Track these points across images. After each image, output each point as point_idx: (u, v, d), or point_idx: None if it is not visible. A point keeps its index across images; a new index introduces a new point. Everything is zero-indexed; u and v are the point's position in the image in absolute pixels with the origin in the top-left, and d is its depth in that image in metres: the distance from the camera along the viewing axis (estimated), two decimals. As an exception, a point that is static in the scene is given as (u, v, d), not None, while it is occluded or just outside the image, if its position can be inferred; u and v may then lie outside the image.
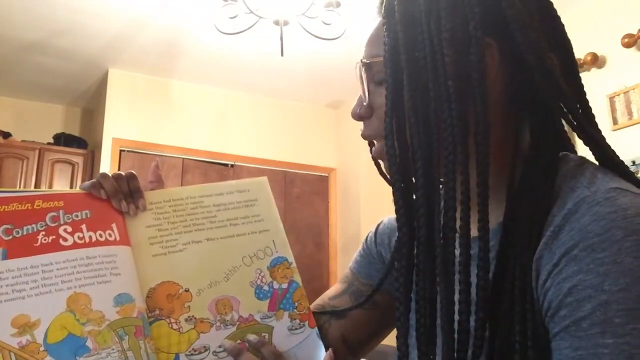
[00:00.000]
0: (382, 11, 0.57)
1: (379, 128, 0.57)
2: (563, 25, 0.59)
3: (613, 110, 3.04)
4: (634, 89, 2.96)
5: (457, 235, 0.50)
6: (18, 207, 0.67)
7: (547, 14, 0.57)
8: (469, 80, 0.51)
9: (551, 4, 0.59)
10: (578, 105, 0.56)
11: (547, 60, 0.52)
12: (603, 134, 0.55)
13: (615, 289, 0.41)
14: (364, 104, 0.61)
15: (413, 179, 0.54)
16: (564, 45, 0.58)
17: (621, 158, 0.54)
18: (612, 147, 0.54)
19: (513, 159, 0.56)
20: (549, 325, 0.45)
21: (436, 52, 0.52)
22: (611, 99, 3.06)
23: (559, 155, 0.55)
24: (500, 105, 0.55)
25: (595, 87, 3.15)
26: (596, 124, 0.56)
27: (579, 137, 0.54)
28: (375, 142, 0.63)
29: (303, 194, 4.89)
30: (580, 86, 0.58)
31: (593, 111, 0.57)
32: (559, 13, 0.59)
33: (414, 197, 0.54)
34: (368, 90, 0.60)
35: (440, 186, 0.53)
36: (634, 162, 2.87)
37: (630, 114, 2.97)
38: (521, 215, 0.50)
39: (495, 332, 0.48)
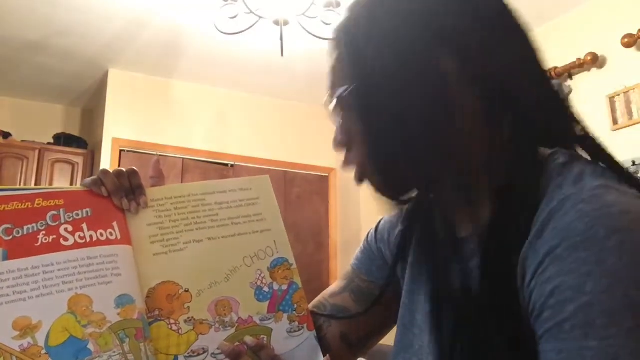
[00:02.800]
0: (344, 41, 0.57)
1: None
2: (524, 27, 0.56)
3: (613, 110, 3.04)
4: (634, 89, 2.96)
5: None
6: (18, 206, 0.66)
7: (511, 19, 0.55)
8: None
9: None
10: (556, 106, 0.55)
11: (503, 69, 0.52)
12: (598, 133, 0.54)
13: (597, 291, 0.39)
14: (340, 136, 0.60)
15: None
16: (525, 47, 0.56)
17: (621, 158, 0.53)
18: (599, 144, 0.53)
19: (496, 156, 0.55)
20: (534, 327, 0.44)
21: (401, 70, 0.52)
22: (611, 99, 3.06)
23: (550, 150, 0.53)
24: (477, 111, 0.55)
25: (595, 87, 3.15)
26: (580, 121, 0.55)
27: (563, 137, 0.53)
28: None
29: (303, 194, 4.89)
30: (550, 89, 0.56)
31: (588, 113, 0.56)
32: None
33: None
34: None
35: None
36: (634, 162, 2.87)
37: (630, 114, 2.97)
38: (507, 213, 0.50)
39: (478, 331, 0.48)
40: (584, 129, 0.54)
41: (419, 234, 0.67)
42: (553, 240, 0.43)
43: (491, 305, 0.47)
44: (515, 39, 0.55)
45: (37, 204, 0.67)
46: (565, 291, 0.41)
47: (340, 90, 0.56)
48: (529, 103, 0.51)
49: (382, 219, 0.81)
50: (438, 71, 0.52)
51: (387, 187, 0.58)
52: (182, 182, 4.24)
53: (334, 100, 0.58)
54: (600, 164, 0.49)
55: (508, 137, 0.53)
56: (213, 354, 0.68)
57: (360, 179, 0.59)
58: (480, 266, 0.50)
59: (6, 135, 4.35)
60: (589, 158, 0.51)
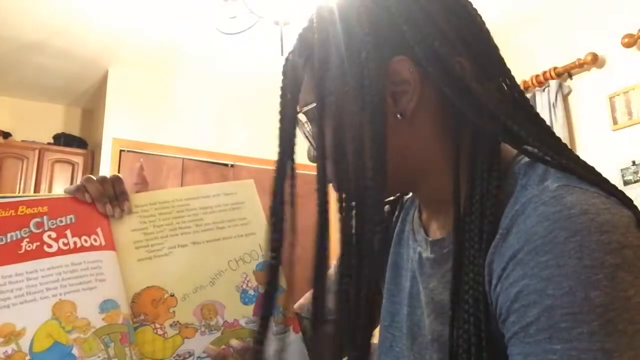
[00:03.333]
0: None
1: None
2: (478, 23, 0.55)
3: (613, 110, 3.03)
4: (634, 89, 2.95)
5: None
6: (1, 213, 0.67)
7: (455, 14, 0.54)
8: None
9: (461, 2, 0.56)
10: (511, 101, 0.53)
11: (455, 66, 0.50)
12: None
13: (559, 294, 0.40)
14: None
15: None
16: (479, 44, 0.54)
17: (621, 158, 0.51)
18: (564, 143, 0.52)
19: (461, 161, 0.54)
20: (503, 331, 0.45)
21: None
22: (611, 99, 3.05)
23: (520, 148, 0.51)
24: (433, 120, 0.55)
25: (595, 87, 3.14)
26: (537, 118, 0.54)
27: (512, 141, 0.51)
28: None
29: (303, 194, 4.88)
30: (506, 82, 0.55)
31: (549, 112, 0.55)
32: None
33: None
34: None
35: None
36: (634, 162, 2.85)
37: (630, 114, 2.96)
38: (472, 217, 0.49)
39: (452, 336, 0.48)
40: (547, 128, 0.54)
41: (396, 236, 0.68)
42: (516, 245, 0.44)
43: (463, 308, 0.47)
44: (476, 42, 0.54)
45: (21, 212, 0.68)
46: (529, 295, 0.41)
47: (305, 107, 0.58)
48: (490, 106, 0.50)
49: None
50: (397, 82, 0.52)
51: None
52: (182, 182, 4.25)
53: (300, 115, 0.59)
54: (564, 160, 0.48)
55: (469, 141, 0.53)
56: (199, 357, 0.68)
57: (338, 190, 0.59)
58: (452, 269, 0.50)
59: (6, 135, 4.36)
60: (553, 156, 0.49)
